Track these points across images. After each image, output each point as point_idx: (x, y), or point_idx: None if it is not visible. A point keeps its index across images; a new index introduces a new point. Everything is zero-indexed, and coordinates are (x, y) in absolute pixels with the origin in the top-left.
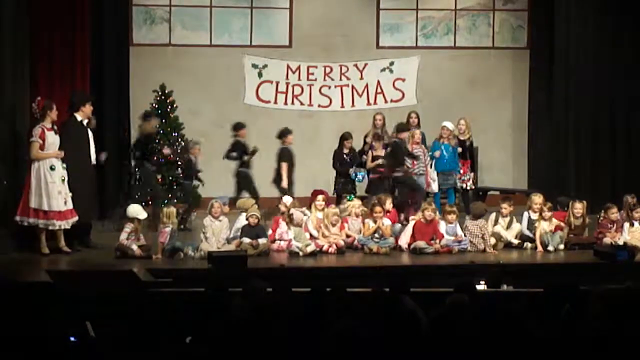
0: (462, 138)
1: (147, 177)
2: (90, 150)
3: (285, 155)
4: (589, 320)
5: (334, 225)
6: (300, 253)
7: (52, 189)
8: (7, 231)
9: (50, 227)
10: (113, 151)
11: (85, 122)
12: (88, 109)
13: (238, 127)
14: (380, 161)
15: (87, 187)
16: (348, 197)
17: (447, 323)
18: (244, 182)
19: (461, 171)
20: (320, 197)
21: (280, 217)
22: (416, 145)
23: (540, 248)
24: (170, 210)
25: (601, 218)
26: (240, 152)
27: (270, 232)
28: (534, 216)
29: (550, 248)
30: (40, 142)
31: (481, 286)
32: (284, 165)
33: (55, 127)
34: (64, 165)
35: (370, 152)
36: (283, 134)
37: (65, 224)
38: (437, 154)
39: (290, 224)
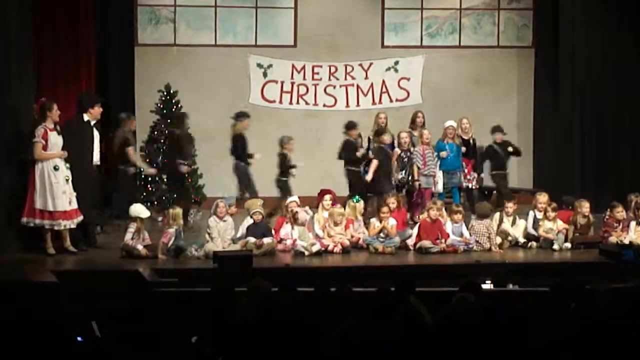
0: (465, 137)
1: (126, 183)
2: (94, 150)
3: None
4: (595, 319)
5: (337, 224)
6: (306, 252)
7: (57, 189)
8: (13, 232)
9: (56, 227)
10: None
11: (92, 123)
12: (97, 110)
13: (241, 115)
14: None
15: (90, 186)
16: (354, 198)
17: (452, 322)
18: (243, 177)
19: (466, 170)
20: (327, 196)
21: (284, 217)
22: (426, 146)
23: (551, 246)
24: (176, 211)
25: (607, 217)
26: (241, 145)
27: (273, 232)
28: (540, 215)
29: (556, 247)
30: (42, 142)
31: (487, 285)
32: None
33: (58, 127)
34: (68, 165)
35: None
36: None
37: (71, 224)
38: (444, 154)
39: (295, 223)
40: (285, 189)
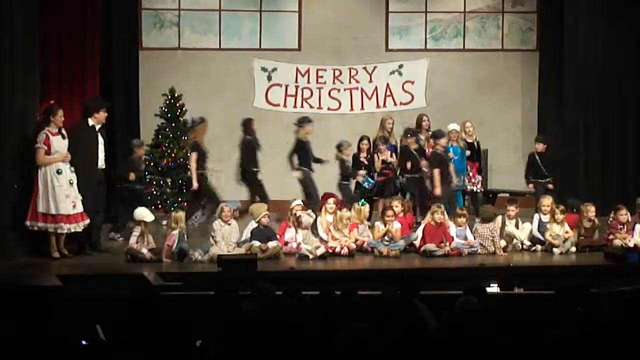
0: (469, 140)
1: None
2: (99, 154)
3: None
4: (600, 322)
5: (345, 228)
6: (310, 256)
7: (59, 192)
8: (18, 236)
9: (60, 231)
10: (123, 154)
11: (97, 127)
12: (102, 115)
13: (303, 121)
14: (390, 159)
15: (94, 191)
16: (360, 202)
17: (456, 326)
18: (307, 184)
19: (470, 174)
20: (331, 200)
21: (287, 221)
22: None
23: (552, 250)
24: (178, 214)
25: (610, 219)
26: (304, 151)
27: (278, 236)
28: (545, 218)
29: (556, 251)
30: (45, 147)
31: (493, 289)
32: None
33: (64, 132)
34: (72, 169)
35: (377, 154)
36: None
37: (76, 227)
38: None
39: (299, 227)
40: (347, 193)
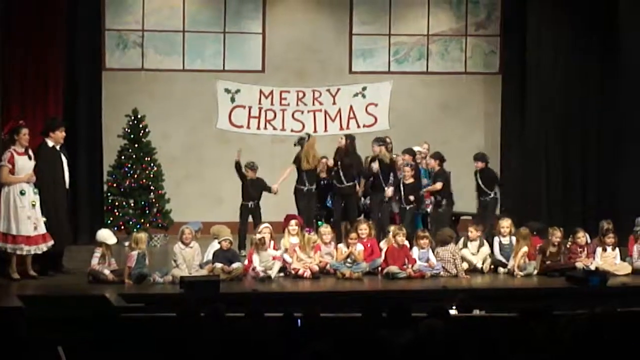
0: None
1: None
2: (65, 175)
3: None
4: (562, 345)
5: (312, 250)
6: (272, 275)
7: (22, 213)
8: None
9: (19, 252)
10: (86, 175)
11: (57, 147)
12: (59, 135)
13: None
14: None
15: (60, 212)
16: (319, 223)
17: (420, 348)
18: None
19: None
20: (293, 221)
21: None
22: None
23: (517, 272)
24: (139, 235)
25: (569, 243)
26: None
27: (246, 262)
28: (505, 240)
29: (525, 273)
30: (9, 166)
31: (453, 311)
32: None
33: (30, 152)
34: (36, 190)
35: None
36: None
37: (36, 249)
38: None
39: (261, 249)
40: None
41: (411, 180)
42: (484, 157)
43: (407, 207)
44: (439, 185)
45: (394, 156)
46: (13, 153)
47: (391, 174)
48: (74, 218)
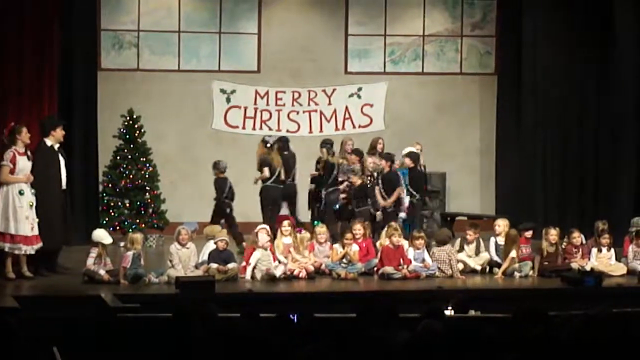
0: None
1: None
2: (62, 175)
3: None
4: (558, 346)
5: (306, 250)
6: (258, 276)
7: (20, 213)
8: None
9: (16, 252)
10: (81, 175)
11: (56, 146)
12: (59, 133)
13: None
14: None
15: (56, 212)
16: (315, 223)
17: (417, 349)
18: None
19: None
20: (285, 222)
21: (252, 245)
22: None
23: (516, 273)
24: (135, 236)
25: (565, 243)
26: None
27: (243, 263)
28: (501, 241)
29: (521, 274)
30: (10, 166)
31: (448, 312)
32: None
33: (29, 153)
34: (33, 191)
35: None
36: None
37: (30, 250)
38: None
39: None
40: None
41: (359, 181)
42: (410, 154)
43: (358, 210)
44: (395, 195)
45: (340, 160)
46: (15, 153)
47: (331, 176)
48: (70, 218)
